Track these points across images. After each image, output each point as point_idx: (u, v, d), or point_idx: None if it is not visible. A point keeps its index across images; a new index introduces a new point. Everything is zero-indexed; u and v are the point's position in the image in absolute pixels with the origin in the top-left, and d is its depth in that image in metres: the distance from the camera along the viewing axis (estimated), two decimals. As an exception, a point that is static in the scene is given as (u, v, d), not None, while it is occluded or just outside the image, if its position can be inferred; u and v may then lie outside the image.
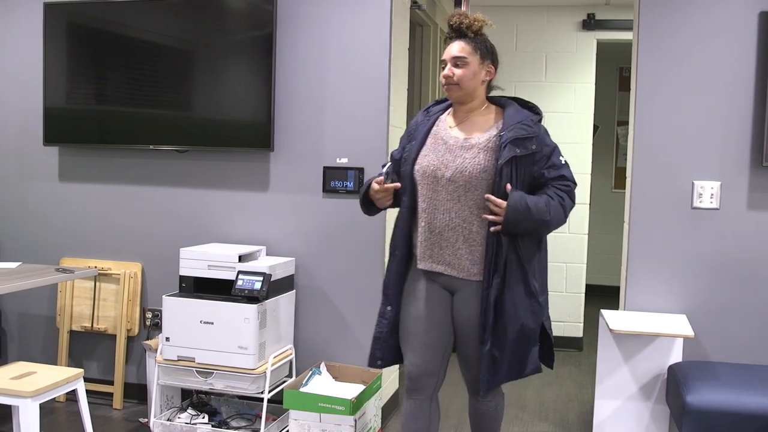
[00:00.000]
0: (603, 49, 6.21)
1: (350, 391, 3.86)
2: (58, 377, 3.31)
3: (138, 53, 4.38)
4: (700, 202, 3.84)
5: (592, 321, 6.12)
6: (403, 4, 4.40)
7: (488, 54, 2.94)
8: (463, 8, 5.45)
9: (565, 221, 2.97)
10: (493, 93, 3.07)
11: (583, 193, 6.12)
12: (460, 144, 2.88)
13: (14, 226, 4.78)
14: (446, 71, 2.88)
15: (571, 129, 6.05)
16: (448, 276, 2.91)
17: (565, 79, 6.10)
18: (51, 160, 4.69)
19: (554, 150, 2.95)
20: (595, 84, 6.14)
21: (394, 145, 4.25)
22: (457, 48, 2.88)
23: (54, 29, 4.51)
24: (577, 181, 3.01)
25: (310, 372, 4.01)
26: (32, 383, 3.20)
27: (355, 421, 3.67)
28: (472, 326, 2.90)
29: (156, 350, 4.01)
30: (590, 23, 6.00)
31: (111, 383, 4.57)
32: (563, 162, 2.95)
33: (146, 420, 4.21)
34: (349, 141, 4.15)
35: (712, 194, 3.82)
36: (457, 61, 2.87)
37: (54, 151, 4.69)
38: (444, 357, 2.99)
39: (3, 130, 4.77)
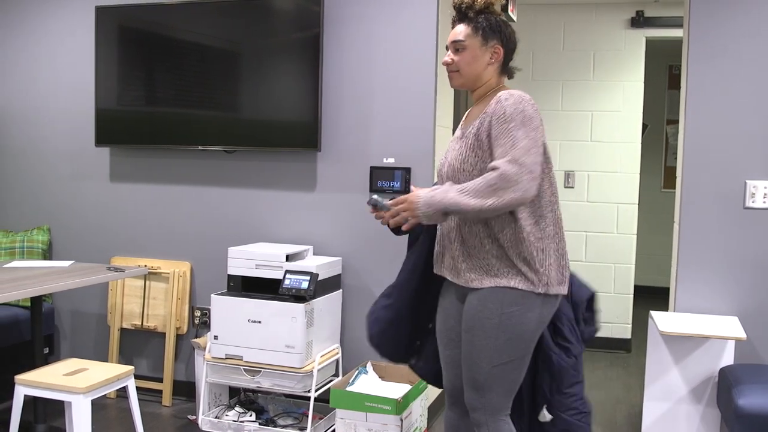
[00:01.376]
0: (652, 46, 6.12)
1: (396, 390, 3.86)
2: (109, 374, 3.35)
3: (187, 55, 4.43)
4: (753, 201, 3.77)
5: (640, 322, 6.05)
6: (450, 2, 4.38)
7: (493, 33, 2.62)
8: (510, 8, 5.42)
9: (496, 203, 2.34)
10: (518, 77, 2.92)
11: (631, 192, 6.04)
12: (458, 135, 2.69)
13: (67, 225, 4.88)
14: (445, 57, 2.68)
15: (619, 128, 5.98)
16: (452, 283, 2.69)
17: (614, 78, 6.03)
18: (102, 161, 4.78)
19: (509, 129, 2.55)
20: (644, 82, 6.06)
21: (441, 144, 4.26)
22: (456, 31, 2.66)
23: (105, 32, 4.59)
24: (525, 165, 2.39)
25: (357, 371, 4.02)
26: (84, 380, 3.26)
27: (401, 420, 3.67)
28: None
29: (204, 348, 4.05)
30: (639, 21, 5.92)
31: (160, 380, 4.64)
32: (510, 144, 2.53)
33: (194, 417, 4.26)
34: (396, 141, 4.15)
35: (765, 194, 3.75)
36: (456, 46, 2.64)
37: (105, 152, 4.77)
38: None
39: (56, 131, 4.87)
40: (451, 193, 2.39)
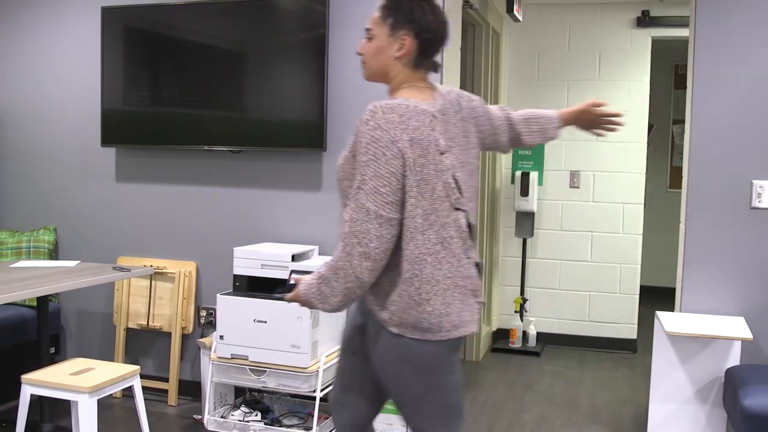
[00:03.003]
0: (658, 46, 6.12)
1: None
2: (115, 374, 3.37)
3: (192, 55, 4.44)
4: (759, 201, 3.76)
5: (646, 323, 6.04)
6: (455, 4, 4.38)
7: (404, 22, 2.26)
8: (516, 8, 5.42)
9: (349, 288, 2.16)
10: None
11: (637, 193, 6.04)
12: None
13: (73, 225, 4.89)
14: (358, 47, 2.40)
15: (625, 128, 5.96)
16: None
17: (619, 77, 6.03)
18: (108, 161, 4.79)
19: (362, 164, 2.15)
20: (650, 82, 6.05)
21: (446, 144, 4.25)
22: (370, 17, 2.36)
23: (111, 32, 4.60)
24: (376, 211, 2.11)
25: (362, 371, 4.02)
26: (90, 379, 3.27)
27: (407, 420, 3.67)
28: None
29: (210, 348, 4.06)
30: (645, 20, 5.92)
31: (166, 380, 4.64)
32: (359, 184, 2.14)
33: (200, 417, 4.27)
34: (401, 141, 4.15)
35: (771, 194, 3.74)
36: (367, 34, 2.35)
37: (111, 152, 4.78)
38: None
39: (62, 131, 4.88)
40: (325, 291, 2.19)
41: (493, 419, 4.44)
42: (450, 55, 4.28)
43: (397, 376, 2.29)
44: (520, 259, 6.24)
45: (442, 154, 2.20)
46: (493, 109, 2.58)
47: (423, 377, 2.28)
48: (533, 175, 5.97)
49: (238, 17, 4.32)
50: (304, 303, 2.24)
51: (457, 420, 2.38)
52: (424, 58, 2.30)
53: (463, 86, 5.29)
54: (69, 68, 4.85)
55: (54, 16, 4.86)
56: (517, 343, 6.06)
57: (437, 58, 2.34)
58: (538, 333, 6.16)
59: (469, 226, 2.32)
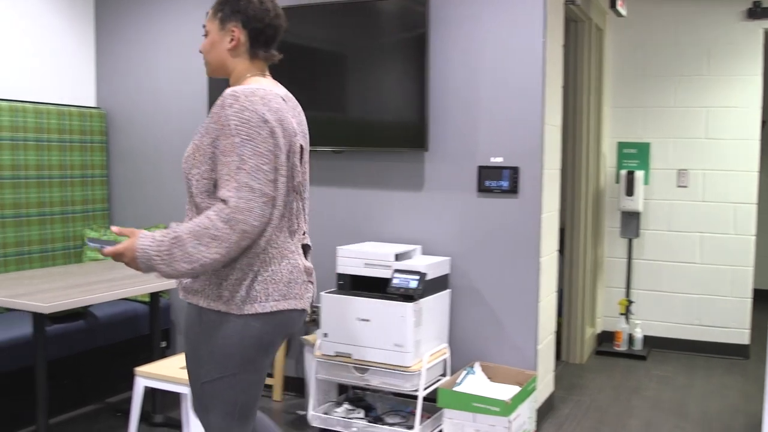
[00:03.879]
0: (772, 39, 5.88)
1: (505, 392, 3.83)
2: (224, 369, 3.45)
3: (295, 58, 4.51)
4: None
5: (760, 328, 5.81)
6: (557, 1, 4.32)
7: (232, 13, 2.33)
8: (619, 2, 5.31)
9: (214, 259, 2.13)
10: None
11: (750, 192, 5.81)
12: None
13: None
14: None
15: (736, 125, 5.76)
16: None
17: (730, 72, 5.81)
18: (216, 162, 4.91)
19: (237, 145, 2.15)
20: (763, 76, 5.81)
21: (550, 143, 4.21)
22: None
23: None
24: (261, 189, 2.14)
25: (465, 371, 4.01)
26: (201, 374, 3.36)
27: (510, 422, 3.64)
28: None
29: (314, 345, 4.12)
30: (756, 11, 5.68)
31: (271, 376, 4.73)
32: (238, 164, 2.14)
33: (304, 413, 4.34)
34: (504, 140, 4.12)
35: None
36: (203, 32, 2.42)
37: (219, 153, 4.90)
38: None
39: (171, 132, 5.04)
40: (177, 253, 2.11)
41: (597, 423, 4.35)
42: (553, 52, 4.22)
43: (198, 354, 2.31)
44: (626, 260, 6.10)
45: (295, 135, 2.29)
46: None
47: (250, 351, 2.28)
48: (639, 174, 5.82)
49: (339, 19, 4.37)
50: (134, 258, 2.14)
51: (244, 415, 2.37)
52: (258, 48, 2.37)
53: (566, 83, 5.21)
54: (178, 72, 5.01)
55: (162, 20, 5.03)
56: (622, 346, 5.92)
57: (274, 48, 2.42)
58: (644, 336, 6.00)
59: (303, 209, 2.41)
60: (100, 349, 4.47)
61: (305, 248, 2.45)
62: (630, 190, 5.83)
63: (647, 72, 6.02)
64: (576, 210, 5.55)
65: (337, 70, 4.40)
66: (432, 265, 3.98)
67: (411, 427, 3.92)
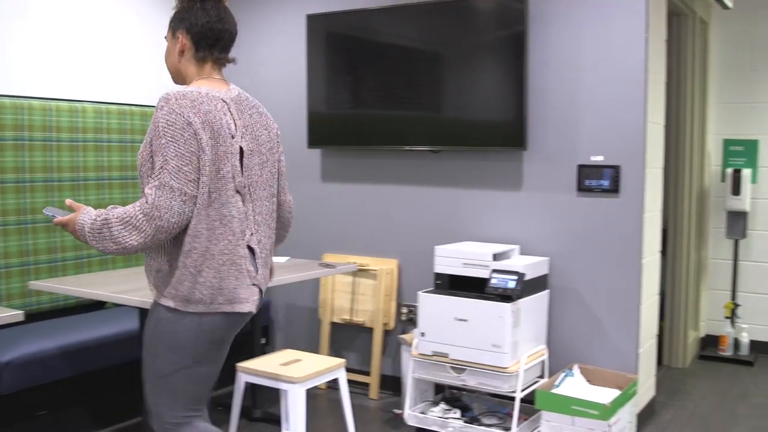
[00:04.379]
0: None
1: (604, 395, 3.76)
2: (322, 365, 3.49)
3: (392, 57, 4.53)
4: None
5: None
6: (663, -5, 4.21)
7: (178, 21, 2.49)
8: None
9: (134, 245, 2.28)
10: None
11: None
12: None
13: (282, 223, 5.13)
14: None
15: None
16: None
17: None
18: (314, 162, 4.99)
19: (162, 146, 2.29)
20: None
21: (652, 141, 4.10)
22: None
23: (315, 39, 4.79)
24: (180, 188, 2.27)
25: (563, 373, 3.95)
26: (300, 370, 3.41)
27: (609, 426, 3.57)
28: None
29: (411, 344, 4.13)
30: None
31: (368, 374, 4.78)
32: (161, 164, 2.28)
33: (400, 411, 4.35)
34: (605, 138, 4.04)
35: None
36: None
37: (317, 153, 4.98)
38: None
39: (272, 134, 5.14)
40: (106, 233, 2.29)
41: (700, 430, 4.22)
42: (655, 47, 4.12)
43: (154, 348, 2.46)
44: (731, 261, 5.89)
45: (232, 137, 2.39)
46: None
47: (188, 349, 2.43)
48: (746, 173, 5.61)
49: (436, 18, 4.37)
50: (75, 230, 2.34)
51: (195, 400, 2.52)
52: (203, 51, 2.49)
53: (669, 79, 5.07)
54: (277, 74, 5.10)
55: (262, 25, 5.13)
56: (727, 351, 5.72)
57: (223, 51, 2.53)
58: (751, 341, 5.78)
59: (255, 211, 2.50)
60: (202, 344, 4.58)
61: (251, 250, 2.50)
62: (736, 189, 5.63)
63: (755, 66, 5.80)
64: (679, 210, 5.40)
65: (434, 70, 4.40)
66: (530, 266, 3.93)
67: (508, 429, 3.89)
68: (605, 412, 3.55)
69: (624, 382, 3.92)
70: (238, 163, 2.41)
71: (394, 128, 4.54)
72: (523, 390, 3.83)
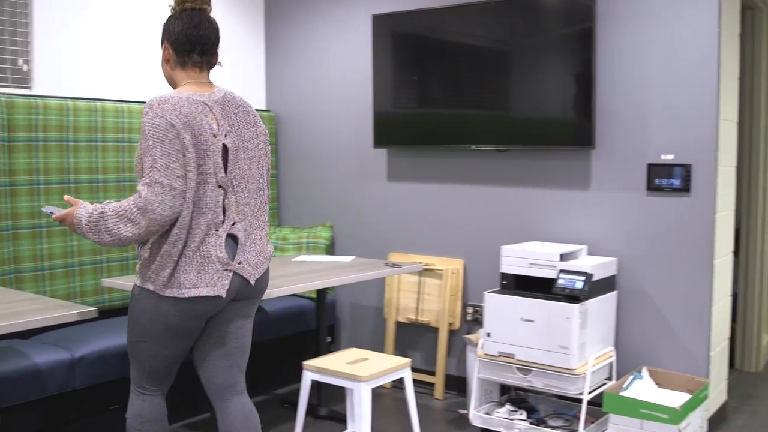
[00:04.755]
0: None
1: (674, 399, 3.69)
2: (388, 365, 3.51)
3: (457, 56, 4.52)
4: None
5: None
6: (736, -11, 4.11)
7: (163, 33, 2.77)
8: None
9: (129, 237, 2.54)
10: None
11: None
12: None
13: (349, 222, 5.17)
14: None
15: None
16: None
17: None
18: (380, 161, 5.01)
19: (150, 148, 2.54)
20: None
21: (725, 139, 4.01)
22: None
23: (381, 38, 4.81)
24: (170, 184, 2.52)
25: (632, 376, 3.89)
26: (365, 369, 3.43)
27: (679, 431, 3.50)
28: None
29: (476, 345, 4.12)
30: None
31: (432, 374, 4.78)
32: (151, 163, 2.53)
33: (465, 412, 4.34)
34: (675, 136, 3.96)
35: None
36: None
37: (383, 152, 5.00)
38: None
39: (338, 134, 5.18)
40: (102, 226, 2.54)
41: None
42: (727, 43, 4.02)
43: (129, 315, 2.77)
44: (808, 262, 5.72)
45: (214, 136, 2.61)
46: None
47: (148, 324, 2.70)
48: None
49: (502, 16, 4.34)
50: (72, 224, 2.59)
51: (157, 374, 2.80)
52: (183, 57, 2.72)
53: (742, 75, 4.94)
54: (343, 74, 5.14)
55: (328, 25, 5.17)
56: (803, 355, 5.56)
57: (203, 55, 2.73)
58: (828, 344, 5.61)
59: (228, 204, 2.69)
60: (269, 342, 4.65)
61: (234, 238, 2.72)
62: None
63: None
64: (752, 209, 5.27)
65: (501, 68, 4.37)
66: (598, 266, 3.88)
67: (574, 431, 3.85)
68: (675, 416, 3.48)
69: (694, 385, 3.84)
70: (220, 160, 2.64)
71: (460, 127, 4.53)
72: (590, 392, 3.78)
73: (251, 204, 2.76)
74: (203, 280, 2.63)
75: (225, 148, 2.66)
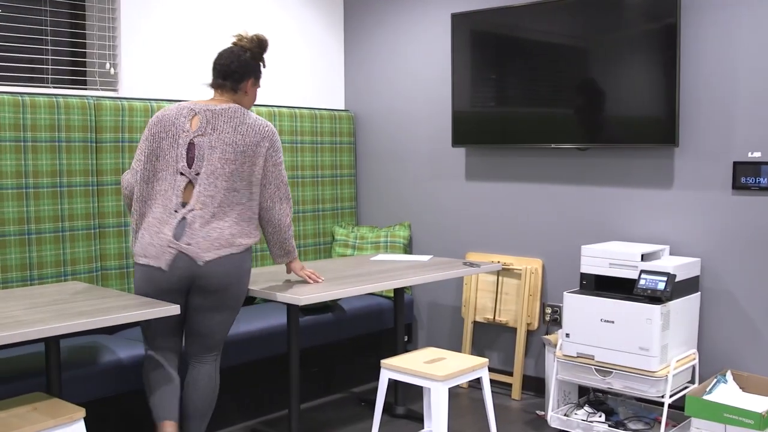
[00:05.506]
0: None
1: (759, 403, 3.58)
2: (465, 364, 3.50)
3: (536, 54, 4.48)
4: None
5: None
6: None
7: None
8: None
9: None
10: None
11: None
12: None
13: (427, 222, 5.18)
14: None
15: None
16: None
17: None
18: (458, 161, 5.00)
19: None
20: None
21: (817, 137, 3.87)
22: None
23: (460, 37, 4.80)
24: (132, 164, 3.39)
25: (715, 379, 3.79)
26: (443, 368, 3.43)
27: (767, 437, 3.41)
28: None
29: (555, 345, 4.08)
30: None
31: (510, 374, 4.75)
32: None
33: (543, 413, 4.30)
34: (763, 133, 3.84)
35: None
36: None
37: (461, 151, 4.99)
38: None
39: (416, 133, 5.20)
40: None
41: None
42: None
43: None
44: None
45: (185, 132, 3.18)
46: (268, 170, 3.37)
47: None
48: None
49: (582, 13, 4.28)
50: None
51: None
52: (212, 81, 3.37)
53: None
54: (421, 74, 5.15)
55: (406, 24, 5.19)
56: None
57: (221, 78, 3.33)
58: None
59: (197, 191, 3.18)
60: (346, 340, 4.70)
61: (189, 223, 3.13)
62: None
63: None
64: None
65: (581, 66, 4.32)
66: (681, 266, 3.80)
67: (656, 435, 3.78)
68: (761, 421, 3.38)
69: (784, 390, 3.73)
70: (184, 152, 3.17)
71: (540, 126, 4.49)
72: (672, 395, 3.71)
73: (217, 198, 3.16)
74: (151, 252, 3.14)
75: (192, 144, 3.17)
